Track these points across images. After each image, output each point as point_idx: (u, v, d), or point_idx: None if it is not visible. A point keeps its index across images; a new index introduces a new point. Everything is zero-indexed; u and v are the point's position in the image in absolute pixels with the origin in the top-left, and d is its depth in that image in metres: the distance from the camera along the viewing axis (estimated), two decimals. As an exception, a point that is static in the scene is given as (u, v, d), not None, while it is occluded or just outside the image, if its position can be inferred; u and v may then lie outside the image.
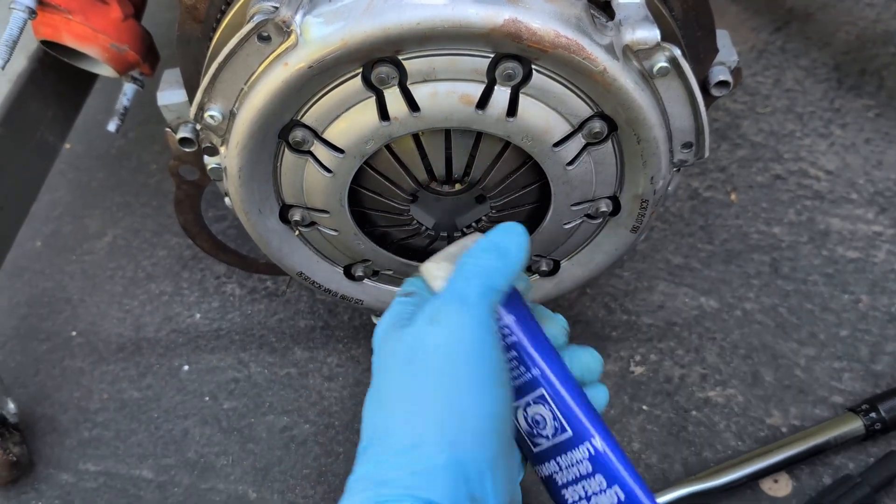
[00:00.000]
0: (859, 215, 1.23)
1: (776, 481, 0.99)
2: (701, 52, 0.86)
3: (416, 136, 0.79)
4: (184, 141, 0.92)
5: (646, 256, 1.20)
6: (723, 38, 0.89)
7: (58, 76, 1.12)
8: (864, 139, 1.33)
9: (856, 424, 0.99)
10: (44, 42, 1.01)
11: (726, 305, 1.15)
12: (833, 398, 1.05)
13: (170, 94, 0.91)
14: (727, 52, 0.89)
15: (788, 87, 1.42)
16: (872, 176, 1.27)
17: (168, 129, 0.93)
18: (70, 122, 1.18)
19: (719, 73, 0.88)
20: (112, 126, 1.10)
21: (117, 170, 1.44)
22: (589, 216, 0.87)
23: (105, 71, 1.05)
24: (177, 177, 0.99)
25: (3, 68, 0.95)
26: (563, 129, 0.77)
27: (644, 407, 1.06)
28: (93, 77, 1.18)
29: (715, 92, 0.88)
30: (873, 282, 1.15)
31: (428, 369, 0.60)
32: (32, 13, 0.93)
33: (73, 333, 1.21)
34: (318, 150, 0.79)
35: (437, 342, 0.60)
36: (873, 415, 0.98)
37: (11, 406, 1.02)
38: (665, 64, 0.74)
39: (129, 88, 1.09)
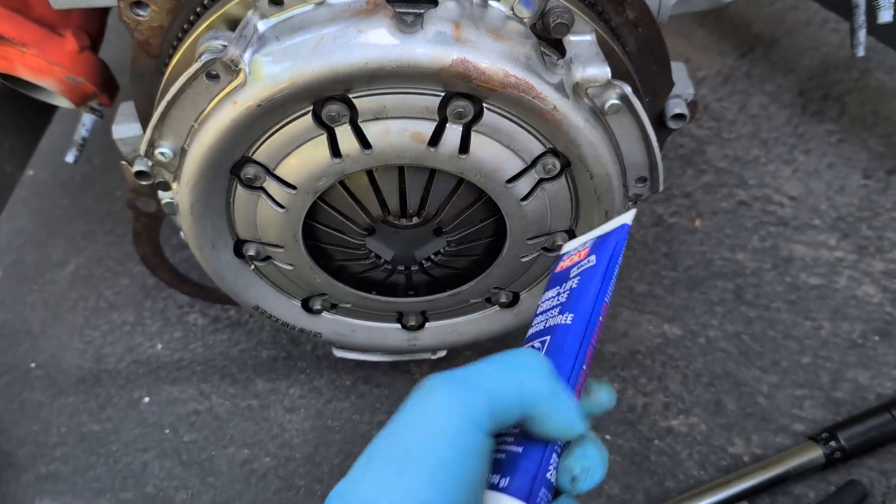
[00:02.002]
0: (822, 241, 1.23)
1: (737, 511, 0.99)
2: (657, 86, 0.86)
3: (369, 172, 0.79)
4: (140, 174, 0.90)
5: (610, 284, 1.20)
6: (678, 70, 0.89)
7: (15, 107, 1.10)
8: (826, 164, 1.34)
9: (816, 453, 0.99)
10: (0, 74, 1.00)
11: (690, 333, 1.15)
12: (794, 426, 1.05)
13: (125, 128, 0.91)
14: (683, 84, 0.90)
15: (754, 112, 1.43)
16: (835, 201, 1.28)
17: (124, 163, 0.92)
18: (29, 152, 1.16)
19: (675, 106, 0.88)
20: (70, 157, 1.09)
21: (82, 197, 1.43)
22: (546, 249, 0.87)
23: (62, 102, 1.04)
24: (134, 209, 0.98)
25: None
26: (515, 165, 0.77)
27: (607, 436, 1.06)
28: (52, 107, 1.17)
29: (671, 124, 0.88)
30: (835, 308, 1.16)
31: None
32: (-13, 46, 0.92)
33: (33, 366, 1.19)
34: (271, 186, 0.78)
35: None
36: (833, 443, 0.98)
37: (-35, 442, 1.01)
38: (616, 101, 0.74)
39: (87, 119, 1.08)
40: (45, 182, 1.46)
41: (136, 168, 0.90)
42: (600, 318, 0.57)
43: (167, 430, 1.10)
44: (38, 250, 1.35)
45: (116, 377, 1.16)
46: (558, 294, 0.62)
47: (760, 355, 1.12)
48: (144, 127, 0.89)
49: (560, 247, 0.86)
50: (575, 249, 0.65)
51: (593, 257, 0.62)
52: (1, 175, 1.10)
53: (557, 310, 0.60)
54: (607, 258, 0.60)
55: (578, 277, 0.61)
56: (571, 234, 0.86)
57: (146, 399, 1.13)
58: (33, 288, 1.29)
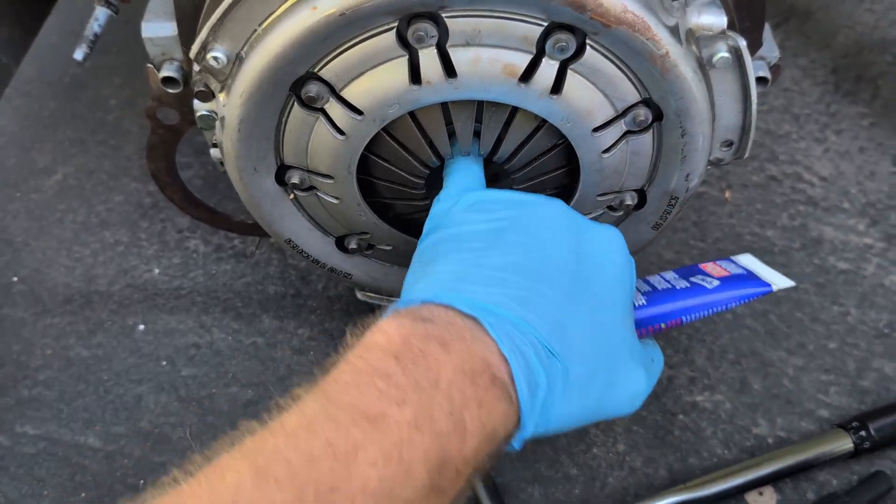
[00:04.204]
0: (851, 226, 1.20)
1: (761, 494, 0.96)
2: (747, 44, 0.80)
3: (444, 105, 0.71)
4: (167, 81, 0.82)
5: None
6: (766, 31, 0.83)
7: (18, -10, 0.99)
8: (858, 147, 1.30)
9: (844, 441, 0.96)
10: (8, -51, 0.88)
11: (717, 307, 1.11)
12: (819, 411, 1.03)
13: (156, 27, 0.81)
14: (769, 46, 0.84)
15: (786, 86, 1.39)
16: (865, 186, 1.25)
17: (150, 66, 0.83)
18: (26, 43, 1.05)
19: (759, 69, 0.82)
20: (79, 54, 0.98)
21: (71, 101, 1.31)
22: (611, 208, 0.82)
23: (76, -10, 0.93)
24: (154, 120, 0.89)
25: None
26: (606, 113, 0.70)
27: (631, 407, 1.02)
28: (55, -5, 1.05)
29: (752, 87, 0.83)
30: (862, 295, 1.13)
31: None
32: (-1, -85, 0.81)
33: (14, 279, 1.09)
34: (333, 108, 0.70)
35: None
36: (863, 433, 0.96)
37: (-57, 358, 0.92)
38: (726, 54, 0.68)
39: (101, 13, 0.97)
40: (30, 80, 1.33)
41: (164, 73, 0.81)
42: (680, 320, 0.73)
43: (164, 363, 1.02)
44: (21, 154, 1.23)
45: (108, 300, 1.07)
46: (677, 279, 0.76)
47: (787, 336, 1.09)
48: (181, 27, 0.79)
49: (629, 206, 0.81)
50: (732, 266, 0.77)
51: (718, 283, 0.75)
52: (-5, 66, 0.98)
53: (669, 284, 0.76)
54: (728, 297, 0.74)
55: (702, 281, 0.74)
56: (642, 194, 0.80)
57: (141, 327, 1.05)
58: (16, 195, 1.18)
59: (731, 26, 0.72)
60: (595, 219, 0.82)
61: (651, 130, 0.73)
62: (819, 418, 1.02)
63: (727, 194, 1.24)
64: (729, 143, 0.77)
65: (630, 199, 0.80)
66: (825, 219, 1.21)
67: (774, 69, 0.85)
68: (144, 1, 0.83)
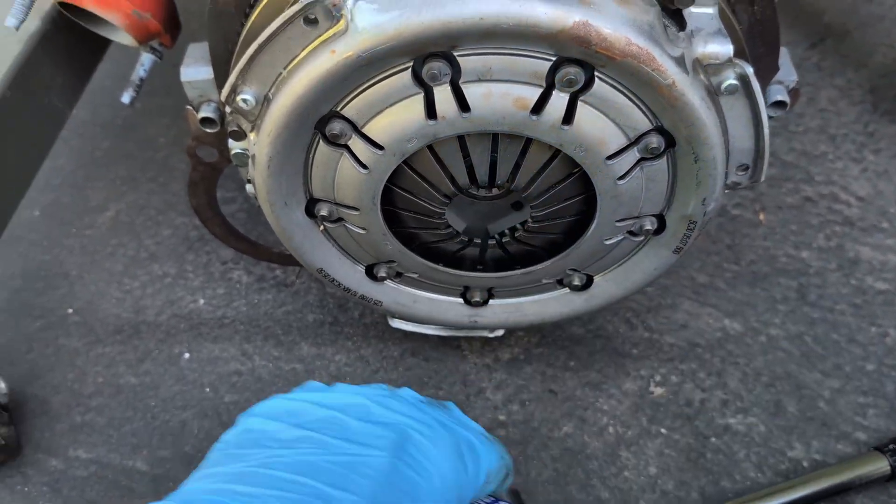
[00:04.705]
0: (890, 246, 1.19)
1: (796, 517, 0.95)
2: (762, 69, 0.82)
3: (461, 138, 0.74)
4: (205, 121, 0.87)
5: (670, 272, 1.16)
6: (783, 55, 0.85)
7: (71, 40, 1.05)
8: (896, 166, 1.29)
9: (882, 464, 0.95)
10: (61, 3, 0.95)
11: (751, 330, 1.11)
12: (856, 434, 1.02)
13: (195, 71, 0.86)
14: (787, 70, 0.85)
15: (822, 106, 1.38)
16: (904, 206, 1.24)
17: (189, 107, 0.88)
18: (80, 88, 1.12)
19: (777, 93, 0.84)
20: (126, 97, 1.04)
21: (123, 141, 1.38)
22: (631, 233, 0.83)
23: (123, 39, 0.99)
24: (194, 157, 0.94)
25: (17, 28, 0.89)
26: (618, 141, 0.72)
27: (662, 430, 1.02)
28: (107, 42, 1.12)
29: (770, 112, 0.84)
30: (902, 316, 1.12)
31: None
32: (52, -28, 0.87)
33: (70, 311, 1.15)
34: (356, 144, 0.74)
35: None
36: (901, 456, 0.95)
37: (2, 385, 0.97)
38: (734, 81, 0.70)
39: (146, 59, 1.03)
40: (84, 122, 1.41)
41: (203, 114, 0.86)
42: None
43: (207, 389, 1.06)
44: (76, 192, 1.30)
45: (156, 330, 1.12)
46: None
47: (823, 358, 1.08)
48: (217, 71, 0.84)
49: (648, 231, 0.82)
50: None
51: None
52: (51, 110, 1.05)
53: None
54: None
55: None
56: (661, 219, 0.82)
57: (186, 355, 1.10)
58: (71, 230, 1.25)
59: (740, 53, 0.73)
60: (616, 244, 0.84)
61: (665, 157, 0.75)
62: (856, 441, 1.01)
63: (761, 216, 1.24)
64: (745, 167, 0.78)
65: (650, 224, 0.82)
66: (862, 239, 1.20)
67: (793, 93, 0.86)
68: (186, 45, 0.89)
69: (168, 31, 0.98)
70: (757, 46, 0.80)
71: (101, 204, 1.28)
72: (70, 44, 1.06)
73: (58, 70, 1.05)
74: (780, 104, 0.84)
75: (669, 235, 0.83)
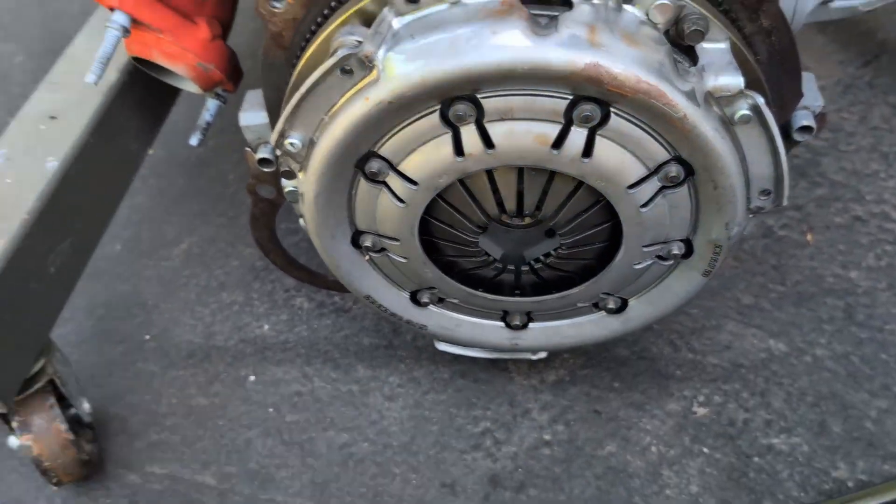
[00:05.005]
0: (943, 265, 1.18)
1: (841, 537, 0.96)
2: (785, 96, 0.84)
3: (489, 172, 0.79)
4: (262, 161, 0.94)
5: (715, 294, 1.18)
6: (808, 81, 0.87)
7: (145, 89, 1.15)
8: (951, 185, 1.28)
9: (929, 485, 0.95)
10: (135, 58, 1.05)
11: (796, 350, 1.12)
12: (905, 454, 1.01)
13: (252, 116, 0.94)
14: (812, 96, 0.87)
15: (875, 124, 1.38)
16: (959, 224, 1.23)
17: (248, 149, 0.96)
18: (154, 132, 1.22)
19: (802, 118, 0.86)
20: (194, 140, 1.13)
21: (196, 178, 1.48)
22: (660, 257, 0.87)
23: (190, 87, 1.08)
24: (254, 195, 1.02)
25: (96, 83, 0.99)
26: (638, 171, 0.76)
27: (705, 449, 1.04)
28: (177, 90, 1.22)
29: (797, 136, 0.86)
30: (954, 335, 1.11)
31: None
32: (126, 31, 0.97)
33: (147, 338, 1.25)
34: (393, 181, 0.80)
35: None
36: (948, 476, 0.94)
37: (86, 406, 1.06)
38: (747, 112, 0.73)
39: (212, 104, 1.12)
40: (161, 161, 1.52)
41: (260, 155, 0.94)
42: None
43: (271, 409, 1.14)
44: (153, 227, 1.41)
45: (224, 354, 1.21)
46: None
47: (870, 378, 1.08)
48: (271, 116, 0.92)
49: (677, 255, 0.86)
50: None
51: None
52: (128, 153, 1.15)
53: None
54: None
55: None
56: (688, 244, 0.85)
57: (252, 378, 1.17)
58: (149, 263, 1.35)
59: (754, 84, 0.76)
60: (646, 269, 0.88)
61: (686, 185, 0.78)
62: (904, 461, 1.01)
63: (809, 236, 1.25)
64: (767, 192, 0.81)
65: (677, 249, 0.85)
66: (914, 258, 1.19)
67: (820, 118, 0.88)
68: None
69: (230, 79, 1.07)
70: (779, 74, 0.83)
71: (176, 238, 1.39)
72: (144, 93, 1.15)
73: (133, 117, 1.15)
74: (806, 129, 0.86)
75: (697, 259, 0.86)
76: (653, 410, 1.08)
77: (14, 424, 0.98)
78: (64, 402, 1.02)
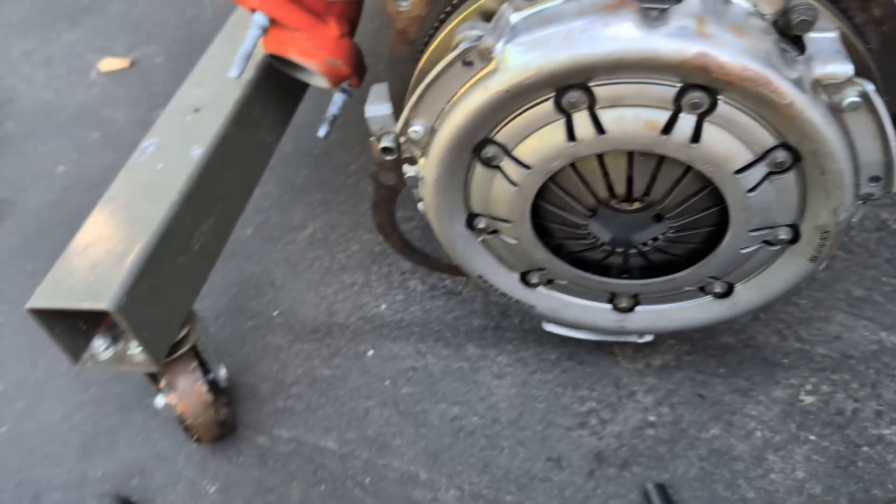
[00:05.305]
0: None
1: (952, 529, 0.95)
2: (898, 84, 0.85)
3: (599, 156, 0.84)
4: (385, 150, 1.02)
5: (825, 285, 1.18)
6: (923, 69, 0.87)
7: (278, 85, 1.25)
8: None
9: None
10: (271, 55, 1.14)
11: (910, 342, 1.11)
12: None
13: (376, 108, 1.01)
14: (927, 84, 0.87)
15: None
16: None
17: (372, 139, 1.03)
18: (285, 125, 1.32)
19: (917, 106, 0.86)
20: (322, 132, 1.22)
21: (320, 169, 1.59)
22: (767, 242, 0.89)
23: (319, 82, 1.17)
24: (376, 181, 1.09)
25: (238, 77, 1.09)
26: (745, 157, 0.79)
27: (811, 437, 1.05)
28: (306, 85, 1.31)
29: (911, 124, 0.86)
30: None
31: None
32: (265, 31, 1.06)
33: (275, 313, 1.35)
34: (507, 165, 0.86)
35: None
36: None
37: (223, 371, 1.17)
38: (855, 99, 0.75)
39: (338, 98, 1.21)
40: (288, 153, 1.64)
41: (383, 144, 1.02)
42: None
43: (387, 382, 1.21)
44: (281, 213, 1.52)
45: (345, 330, 1.30)
46: None
47: None
48: (395, 108, 0.99)
49: (784, 241, 0.87)
50: None
51: None
52: (263, 145, 1.25)
53: None
54: None
55: None
56: (795, 230, 0.87)
57: (370, 352, 1.26)
58: (277, 246, 1.46)
59: (864, 72, 0.78)
60: (753, 253, 0.90)
61: (793, 170, 0.80)
62: None
63: (927, 229, 1.22)
64: (877, 179, 0.82)
65: (784, 234, 0.87)
66: None
67: (936, 105, 0.88)
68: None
69: (356, 74, 1.15)
70: (891, 63, 0.84)
71: (302, 223, 1.49)
72: (277, 88, 1.26)
73: (267, 110, 1.25)
74: (919, 117, 0.86)
75: (805, 244, 0.88)
76: (758, 397, 1.10)
77: (161, 384, 1.09)
78: (204, 367, 1.12)
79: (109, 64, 2.08)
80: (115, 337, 1.05)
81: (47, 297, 0.97)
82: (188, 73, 1.25)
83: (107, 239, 1.02)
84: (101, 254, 1.00)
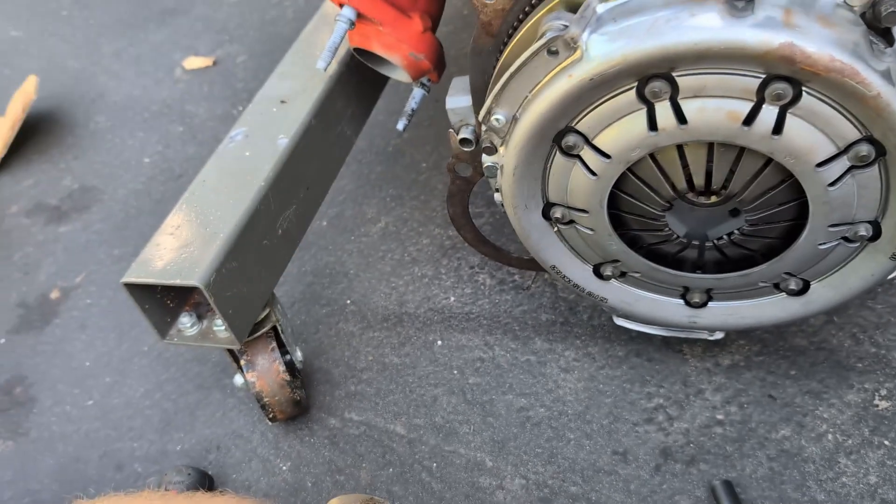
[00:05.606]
0: None
1: None
2: None
3: (679, 147, 0.85)
4: (463, 141, 1.05)
5: (903, 290, 1.16)
6: None
7: (359, 80, 1.30)
8: None
9: None
10: (355, 49, 1.18)
11: None
12: None
13: (457, 100, 1.04)
14: None
15: None
16: None
17: (451, 130, 1.06)
18: (364, 119, 1.36)
19: None
20: (400, 125, 1.26)
21: (392, 165, 1.63)
22: (846, 239, 0.88)
23: (401, 76, 1.20)
24: (452, 173, 1.12)
25: (325, 69, 1.13)
26: (827, 150, 0.79)
27: (886, 442, 1.03)
28: (385, 80, 1.35)
29: None
30: None
31: None
32: (352, 24, 1.10)
33: (348, 302, 1.39)
34: (587, 154, 0.87)
35: None
36: None
37: (299, 354, 1.21)
38: (945, 92, 0.74)
39: (417, 93, 1.25)
40: (363, 150, 1.68)
41: (462, 136, 1.04)
42: None
43: (455, 372, 1.24)
44: (355, 207, 1.56)
45: (415, 320, 1.33)
46: None
47: None
48: (475, 100, 1.02)
49: (863, 237, 0.87)
50: None
51: None
52: (343, 137, 1.29)
53: None
54: None
55: None
56: (876, 226, 0.86)
57: (439, 342, 1.28)
58: (351, 238, 1.50)
59: (954, 67, 0.77)
60: (831, 249, 0.89)
61: (876, 165, 0.80)
62: None
63: None
64: (963, 176, 0.81)
65: (864, 231, 0.87)
66: None
67: None
68: (448, 81, 1.08)
69: (436, 69, 1.18)
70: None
71: (375, 217, 1.53)
72: (358, 84, 1.30)
73: (349, 104, 1.29)
74: None
75: (886, 242, 0.87)
76: (830, 399, 1.08)
77: (242, 362, 1.14)
78: (282, 348, 1.16)
79: (193, 62, 2.17)
80: (200, 315, 1.10)
81: (141, 272, 1.02)
82: (269, 71, 1.31)
83: (196, 221, 1.07)
84: (190, 234, 1.05)
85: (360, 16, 1.11)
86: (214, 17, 2.37)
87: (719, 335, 1.10)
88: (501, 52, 0.95)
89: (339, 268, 1.46)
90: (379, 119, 1.72)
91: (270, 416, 1.17)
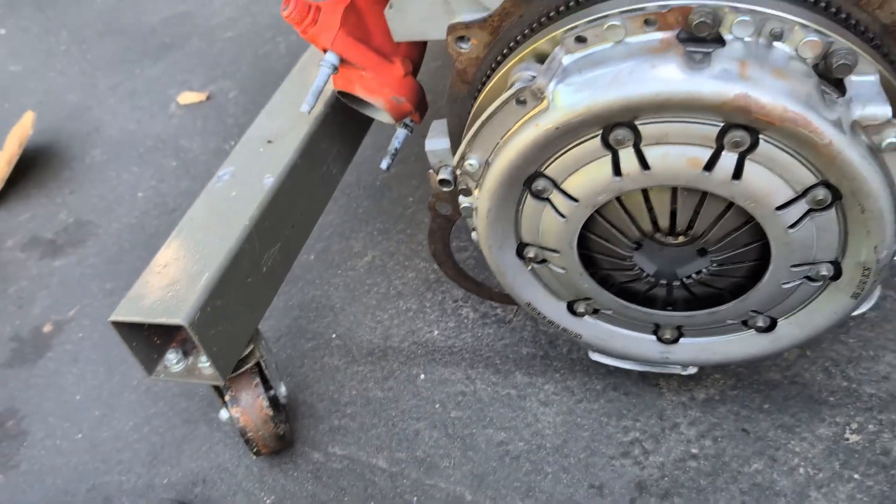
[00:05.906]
0: None
1: None
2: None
3: (644, 191, 0.88)
4: (443, 181, 1.08)
5: (874, 325, 1.19)
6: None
7: (344, 120, 1.33)
8: None
9: None
10: (339, 91, 1.22)
11: (961, 385, 1.11)
12: None
13: (436, 142, 1.08)
14: (971, 128, 0.89)
15: None
16: None
17: (431, 171, 1.10)
18: (350, 157, 1.39)
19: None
20: (384, 164, 1.29)
21: (380, 200, 1.66)
22: (809, 278, 0.91)
23: (383, 118, 1.24)
24: (433, 211, 1.15)
25: (308, 112, 1.17)
26: (786, 194, 0.82)
27: (856, 475, 1.05)
28: (370, 121, 1.39)
29: (955, 166, 0.88)
30: None
31: None
32: (335, 69, 1.14)
33: (334, 336, 1.42)
34: (556, 198, 0.90)
35: None
36: None
37: (283, 389, 1.23)
38: (895, 140, 0.78)
39: (400, 133, 1.28)
40: (350, 184, 1.72)
41: (441, 176, 1.08)
42: None
43: (437, 405, 1.26)
44: (342, 241, 1.59)
45: (399, 354, 1.35)
46: None
47: None
48: (452, 142, 1.05)
49: (825, 277, 0.90)
50: None
51: None
52: (328, 176, 1.32)
53: None
54: None
55: None
56: (837, 266, 0.89)
57: (422, 376, 1.31)
58: (337, 272, 1.53)
59: (903, 115, 0.81)
60: (794, 289, 0.92)
61: (834, 208, 0.83)
62: None
63: (981, 274, 1.22)
64: (918, 218, 0.84)
65: (826, 271, 0.90)
66: None
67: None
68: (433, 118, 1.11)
69: (418, 111, 1.22)
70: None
71: (361, 251, 1.56)
72: (343, 124, 1.33)
73: (334, 143, 1.33)
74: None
75: (846, 282, 0.90)
76: (802, 433, 1.11)
77: (227, 397, 1.16)
78: (266, 383, 1.19)
79: (188, 97, 2.21)
80: (186, 352, 1.13)
81: (128, 311, 1.04)
82: (260, 106, 1.34)
83: (183, 259, 1.10)
84: (177, 273, 1.08)
85: (343, 61, 1.15)
86: (209, 52, 2.42)
87: (693, 370, 1.12)
88: (476, 98, 0.98)
89: (325, 301, 1.48)
90: (367, 154, 1.76)
91: (254, 450, 1.19)
